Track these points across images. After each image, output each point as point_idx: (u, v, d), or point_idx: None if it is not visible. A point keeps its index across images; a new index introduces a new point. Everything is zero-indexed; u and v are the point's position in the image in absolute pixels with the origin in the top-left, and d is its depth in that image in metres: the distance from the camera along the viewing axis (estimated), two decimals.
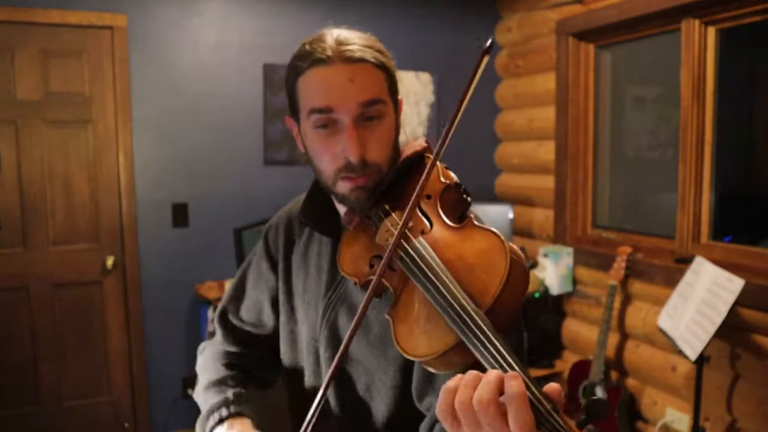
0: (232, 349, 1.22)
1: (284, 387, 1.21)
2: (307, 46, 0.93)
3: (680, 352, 2.30)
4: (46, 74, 3.00)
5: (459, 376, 0.66)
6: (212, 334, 1.29)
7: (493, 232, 0.77)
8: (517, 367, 0.64)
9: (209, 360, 1.20)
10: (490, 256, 0.75)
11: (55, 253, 3.11)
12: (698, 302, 2.29)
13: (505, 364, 0.65)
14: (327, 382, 0.78)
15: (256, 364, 1.22)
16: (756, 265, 2.42)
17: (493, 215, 3.54)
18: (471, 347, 0.68)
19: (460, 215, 0.88)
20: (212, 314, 3.07)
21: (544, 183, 3.50)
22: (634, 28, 2.94)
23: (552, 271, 3.24)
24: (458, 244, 0.80)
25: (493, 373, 0.63)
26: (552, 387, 0.63)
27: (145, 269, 3.25)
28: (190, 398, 3.28)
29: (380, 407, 0.99)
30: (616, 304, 2.95)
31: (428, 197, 0.88)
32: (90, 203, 3.15)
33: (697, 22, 2.61)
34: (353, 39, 0.92)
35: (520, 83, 3.69)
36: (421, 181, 0.82)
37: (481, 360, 0.67)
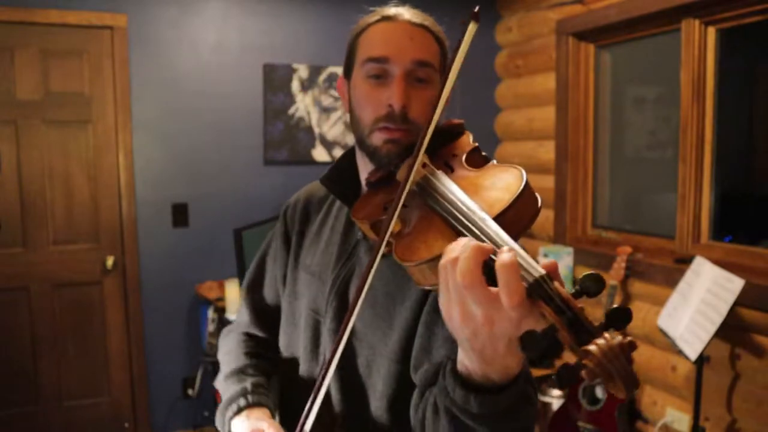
0: (256, 332, 1.24)
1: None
2: (377, 10, 1.02)
3: (680, 352, 2.30)
4: (46, 74, 3.00)
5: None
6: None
7: (514, 166, 0.80)
8: (517, 245, 0.64)
9: (233, 346, 1.21)
10: (506, 180, 0.77)
11: (55, 253, 3.11)
12: (698, 302, 2.29)
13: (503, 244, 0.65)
14: (336, 343, 0.78)
15: (277, 350, 1.22)
16: (756, 265, 2.42)
17: None
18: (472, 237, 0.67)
19: None
20: (212, 314, 3.07)
21: (544, 183, 3.50)
22: (634, 28, 2.94)
23: None
24: (476, 177, 0.83)
25: (478, 243, 0.63)
26: (547, 261, 0.62)
27: (145, 269, 3.25)
28: (190, 398, 3.28)
29: (379, 384, 0.99)
30: (616, 304, 2.95)
31: (454, 155, 0.92)
32: (90, 203, 3.15)
33: (697, 22, 2.61)
34: (417, 12, 1.02)
35: (520, 83, 3.69)
36: (435, 112, 0.83)
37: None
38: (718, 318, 2.14)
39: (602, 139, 3.30)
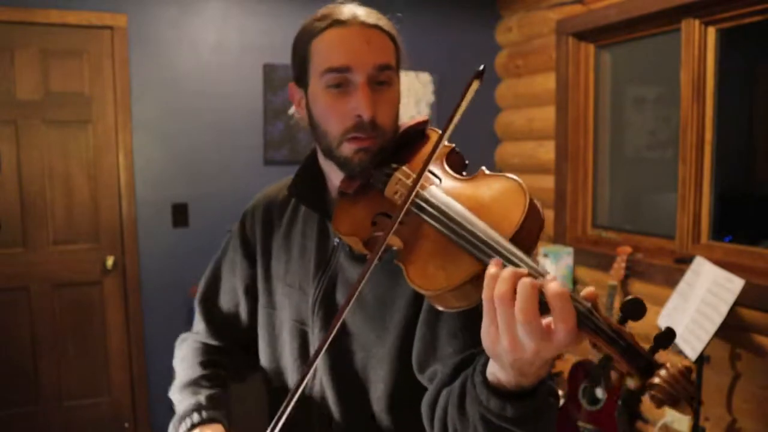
0: (212, 341, 1.21)
1: (261, 372, 1.19)
2: (324, 11, 0.96)
3: (680, 352, 2.30)
4: (46, 74, 3.00)
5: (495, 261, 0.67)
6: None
7: (509, 176, 0.79)
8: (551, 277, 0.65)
9: (188, 355, 1.19)
10: (509, 194, 0.76)
11: (55, 253, 3.11)
12: (698, 302, 2.29)
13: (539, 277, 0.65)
14: (315, 354, 0.78)
15: (235, 358, 1.20)
16: (756, 265, 2.42)
17: None
18: None
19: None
20: None
21: (544, 183, 3.50)
22: (634, 28, 2.94)
23: (552, 271, 3.23)
24: (473, 190, 0.81)
25: (529, 278, 0.64)
26: (587, 290, 0.64)
27: (145, 269, 3.25)
28: None
29: (377, 385, 0.98)
30: (616, 304, 2.95)
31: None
32: (90, 203, 3.15)
33: (697, 22, 2.61)
34: (367, 9, 0.98)
35: (520, 83, 3.69)
36: (440, 135, 0.83)
37: None
38: (718, 318, 2.14)
39: (602, 139, 3.30)
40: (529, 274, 0.64)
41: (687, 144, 2.69)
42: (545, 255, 3.28)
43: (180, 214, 3.29)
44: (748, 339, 2.37)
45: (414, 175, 0.85)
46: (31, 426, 3.10)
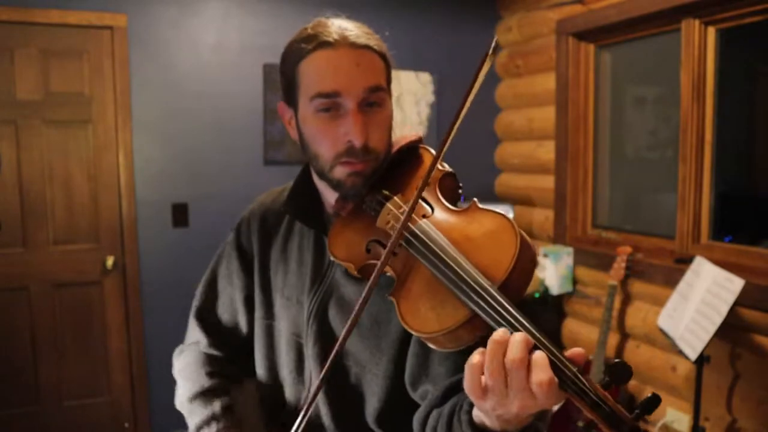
0: (214, 352, 1.20)
1: (256, 381, 1.19)
2: (310, 30, 0.93)
3: (680, 352, 2.30)
4: (46, 74, 3.00)
5: (480, 350, 0.67)
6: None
7: (501, 214, 0.78)
8: (537, 334, 0.66)
9: (191, 363, 1.17)
10: (500, 235, 0.75)
11: (55, 253, 3.10)
12: (698, 302, 2.29)
13: (525, 332, 0.67)
14: (321, 380, 0.77)
15: (236, 365, 1.20)
16: (756, 265, 2.42)
17: None
18: (488, 319, 0.69)
19: (456, 202, 0.89)
20: None
21: (544, 183, 3.50)
22: (634, 28, 2.94)
23: (552, 271, 3.24)
24: (464, 225, 0.80)
25: (519, 335, 0.65)
26: (575, 351, 0.65)
27: (145, 269, 3.25)
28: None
29: (371, 400, 0.99)
30: (616, 304, 2.95)
31: (426, 185, 0.89)
32: (90, 203, 3.15)
33: (697, 22, 2.61)
34: (355, 27, 0.94)
35: (520, 83, 3.69)
36: (429, 166, 0.82)
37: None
38: (718, 318, 2.14)
39: (602, 139, 3.30)
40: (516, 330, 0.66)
41: (687, 144, 2.69)
42: (545, 255, 3.28)
43: (180, 214, 3.29)
44: (748, 339, 2.37)
45: (405, 207, 0.85)
46: (31, 426, 3.10)
